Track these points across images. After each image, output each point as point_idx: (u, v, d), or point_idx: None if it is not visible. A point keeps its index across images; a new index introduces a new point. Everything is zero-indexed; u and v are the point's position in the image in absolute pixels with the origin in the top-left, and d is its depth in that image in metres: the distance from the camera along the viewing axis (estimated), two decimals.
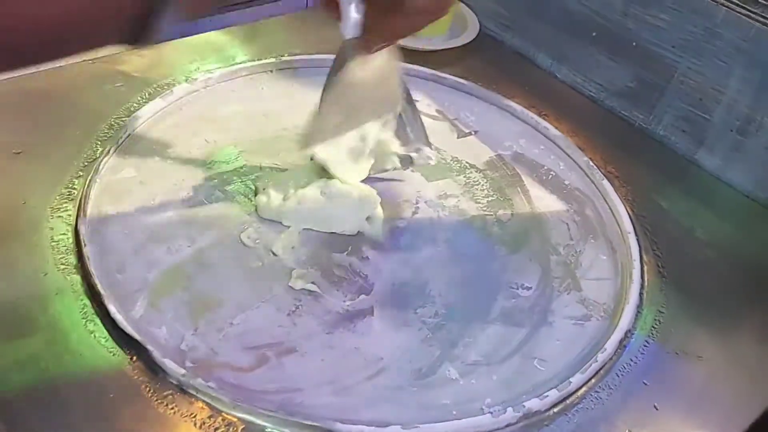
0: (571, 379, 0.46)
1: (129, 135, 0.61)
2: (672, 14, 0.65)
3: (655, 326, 0.52)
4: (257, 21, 0.82)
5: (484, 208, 0.61)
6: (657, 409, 0.47)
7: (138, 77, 0.67)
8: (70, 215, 0.52)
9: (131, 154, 0.59)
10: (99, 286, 0.47)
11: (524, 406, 0.44)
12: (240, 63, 0.70)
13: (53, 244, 0.50)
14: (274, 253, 0.53)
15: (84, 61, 0.68)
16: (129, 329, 0.44)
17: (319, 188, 0.55)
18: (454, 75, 0.73)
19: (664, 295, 0.54)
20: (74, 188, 0.54)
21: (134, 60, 0.69)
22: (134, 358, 0.44)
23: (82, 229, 0.50)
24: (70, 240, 0.50)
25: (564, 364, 0.49)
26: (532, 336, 0.50)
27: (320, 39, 0.74)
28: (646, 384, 0.48)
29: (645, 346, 0.51)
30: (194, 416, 0.42)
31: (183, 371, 0.43)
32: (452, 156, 0.66)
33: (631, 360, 0.49)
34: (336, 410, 0.44)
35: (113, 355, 0.44)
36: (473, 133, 0.69)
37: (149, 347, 0.44)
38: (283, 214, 0.55)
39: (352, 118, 0.54)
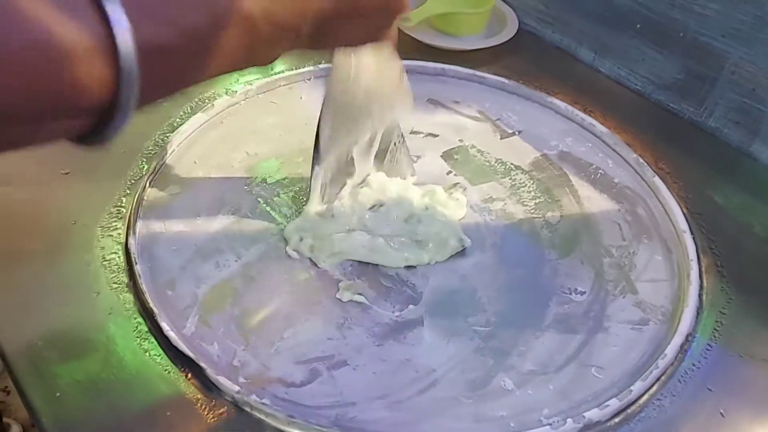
0: (631, 387, 0.45)
1: (173, 151, 0.61)
2: (721, 2, 0.63)
3: (717, 329, 0.50)
4: None
5: (532, 211, 0.59)
6: (723, 416, 0.45)
7: None
8: (120, 234, 0.53)
9: (176, 170, 0.60)
10: (151, 304, 0.47)
11: (584, 417, 0.43)
12: (278, 73, 0.70)
13: (105, 263, 0.51)
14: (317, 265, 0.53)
15: None
16: (183, 347, 0.45)
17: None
18: (494, 74, 0.72)
19: (725, 296, 0.52)
20: (122, 206, 0.55)
21: None
22: (189, 375, 0.44)
23: (133, 248, 0.51)
24: (121, 258, 0.51)
25: (622, 371, 0.47)
26: (588, 342, 0.49)
27: None
28: (710, 390, 0.46)
29: (707, 349, 0.49)
30: None
31: (237, 388, 0.43)
32: (496, 158, 0.64)
33: (694, 365, 0.48)
34: (390, 425, 0.43)
35: (168, 373, 0.44)
36: (517, 133, 0.67)
37: (203, 365, 0.44)
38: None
39: (343, 130, 0.54)
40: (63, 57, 0.24)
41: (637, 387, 0.45)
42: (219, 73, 0.33)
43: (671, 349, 0.47)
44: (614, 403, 0.44)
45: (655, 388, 0.46)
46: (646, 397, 0.45)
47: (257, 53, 0.35)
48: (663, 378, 0.46)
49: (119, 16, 0.25)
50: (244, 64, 0.35)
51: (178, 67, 0.30)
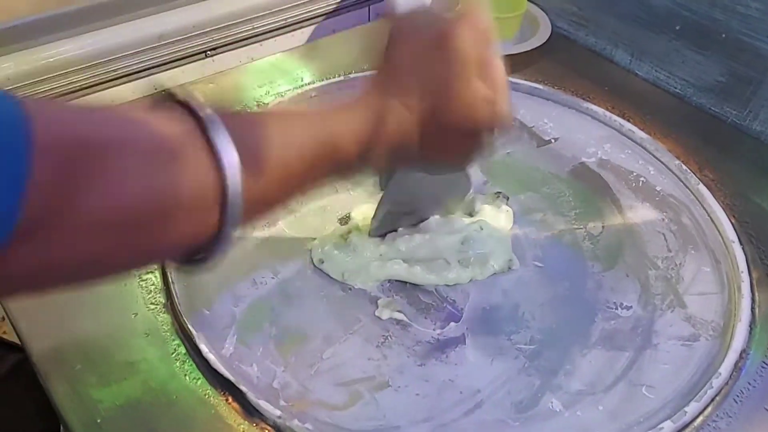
0: (686, 409, 0.43)
1: None
2: (764, 2, 0.60)
3: None
4: (319, 39, 0.82)
5: (573, 221, 0.58)
6: None
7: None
8: None
9: None
10: (189, 326, 0.46)
11: None
12: (308, 84, 0.69)
13: (141, 283, 0.50)
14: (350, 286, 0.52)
15: (158, 91, 0.69)
16: (223, 370, 0.44)
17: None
18: (527, 80, 0.70)
19: None
20: None
21: (202, 88, 0.69)
22: (229, 399, 0.43)
23: (169, 267, 0.50)
24: (158, 278, 0.50)
25: (674, 391, 0.45)
26: (637, 360, 0.47)
27: None
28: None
29: (763, 367, 0.47)
30: None
31: (278, 413, 0.42)
32: (533, 167, 0.63)
33: (749, 384, 0.46)
34: None
35: (208, 396, 0.43)
36: (553, 140, 0.66)
37: (243, 388, 0.43)
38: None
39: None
40: (181, 214, 0.27)
41: (692, 408, 0.43)
42: (309, 192, 0.36)
43: (725, 368, 0.45)
44: (668, 426, 0.42)
45: (710, 409, 0.44)
46: (701, 418, 0.44)
47: (345, 176, 0.38)
48: (718, 398, 0.45)
49: (234, 175, 0.28)
50: (339, 179, 0.38)
51: (272, 203, 0.33)
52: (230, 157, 0.28)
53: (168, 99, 0.30)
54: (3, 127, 0.21)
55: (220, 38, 0.76)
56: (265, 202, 0.32)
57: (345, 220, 0.57)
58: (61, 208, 0.23)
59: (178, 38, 0.73)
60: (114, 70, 0.70)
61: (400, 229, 0.54)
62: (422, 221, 0.55)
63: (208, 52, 0.76)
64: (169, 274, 0.50)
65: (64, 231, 0.23)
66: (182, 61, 0.75)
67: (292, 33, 0.81)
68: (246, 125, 0.31)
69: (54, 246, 0.23)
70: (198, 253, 0.30)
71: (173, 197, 0.26)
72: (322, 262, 0.53)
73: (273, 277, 0.52)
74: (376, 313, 0.50)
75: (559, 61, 0.74)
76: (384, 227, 0.54)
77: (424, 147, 0.39)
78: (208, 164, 0.27)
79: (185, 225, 0.28)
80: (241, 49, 0.78)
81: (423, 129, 0.38)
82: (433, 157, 0.41)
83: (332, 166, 0.35)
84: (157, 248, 0.28)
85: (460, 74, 0.38)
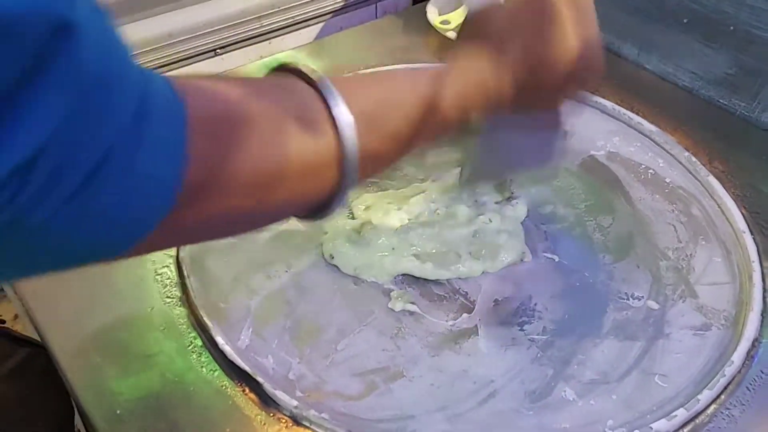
0: (699, 397, 0.43)
1: None
2: None
3: None
4: (327, 36, 0.82)
5: (583, 214, 0.58)
6: None
7: None
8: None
9: None
10: (205, 319, 0.47)
11: (651, 429, 0.42)
12: None
13: (157, 277, 0.51)
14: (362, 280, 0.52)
15: None
16: (239, 361, 0.44)
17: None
18: None
19: None
20: None
21: None
22: (246, 390, 0.44)
23: (184, 261, 0.51)
24: (173, 272, 0.51)
25: (687, 380, 0.46)
26: (650, 349, 0.48)
27: (392, 49, 0.73)
28: None
29: None
30: None
31: (295, 402, 0.42)
32: None
33: (762, 372, 0.46)
34: None
35: (225, 388, 0.44)
36: None
37: (260, 379, 0.43)
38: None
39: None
40: (308, 173, 0.29)
41: (705, 396, 0.43)
42: (413, 151, 0.37)
43: (738, 356, 0.46)
44: (682, 414, 0.43)
45: (723, 397, 0.44)
46: (714, 406, 0.44)
47: (444, 134, 0.39)
48: (731, 386, 0.45)
49: (350, 134, 0.30)
50: (437, 140, 0.38)
51: (381, 162, 0.35)
52: (346, 118, 0.30)
53: (282, 69, 0.32)
54: (166, 107, 0.24)
55: (229, 36, 0.76)
56: (376, 159, 0.33)
57: (351, 215, 0.57)
58: (213, 174, 0.26)
59: (188, 36, 0.73)
60: None
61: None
62: (510, 180, 0.55)
63: (218, 51, 0.77)
64: (183, 268, 0.50)
65: (217, 192, 0.26)
66: (191, 60, 0.75)
67: (300, 31, 0.81)
68: (356, 88, 0.33)
69: (210, 205, 0.26)
70: (319, 206, 0.32)
71: (302, 158, 0.29)
72: (333, 258, 0.53)
73: (287, 271, 0.53)
74: (389, 305, 0.50)
75: None
76: (475, 178, 0.53)
77: (519, 100, 0.39)
78: (328, 126, 0.30)
79: (312, 182, 0.30)
80: (250, 47, 0.78)
81: (520, 84, 0.39)
82: (528, 107, 0.41)
83: (435, 125, 0.36)
84: (291, 203, 0.31)
85: (555, 20, 0.38)
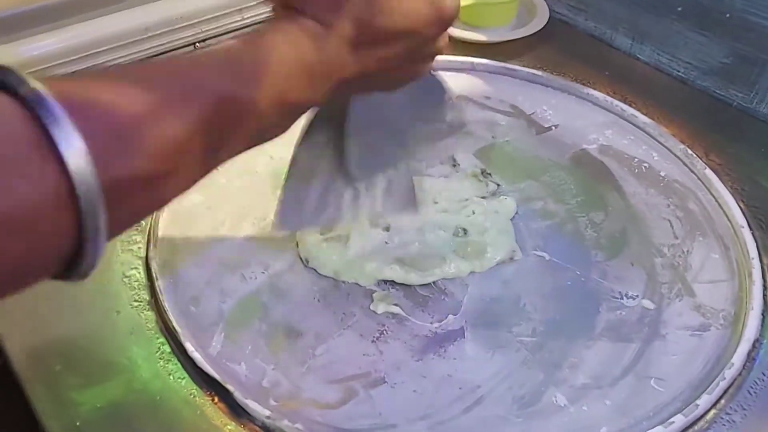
0: (697, 402, 0.41)
1: None
2: None
3: None
4: None
5: (574, 210, 0.55)
6: None
7: None
8: (140, 248, 0.50)
9: None
10: (174, 323, 0.44)
11: None
12: None
13: (125, 279, 0.48)
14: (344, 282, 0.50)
15: None
16: (209, 369, 0.42)
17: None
18: (526, 66, 0.68)
19: None
20: None
21: None
22: (215, 399, 0.41)
23: (153, 263, 0.48)
24: (142, 274, 0.48)
25: (685, 383, 0.43)
26: (645, 352, 0.45)
27: None
28: None
29: None
30: None
31: (268, 413, 0.40)
32: (533, 154, 0.61)
33: (764, 374, 0.43)
34: None
35: (193, 397, 0.41)
36: (553, 127, 0.63)
37: (230, 387, 0.41)
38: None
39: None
40: (20, 227, 0.22)
41: (704, 401, 0.41)
42: (225, 160, 0.30)
43: (738, 358, 0.43)
44: (679, 420, 0.40)
45: (723, 401, 0.42)
46: (713, 411, 0.41)
47: (270, 132, 0.32)
48: (731, 390, 0.42)
49: (81, 164, 0.22)
50: (258, 143, 0.32)
51: (171, 186, 0.27)
52: (73, 143, 0.22)
53: None
54: None
55: (209, 30, 0.73)
56: (149, 185, 0.25)
57: None
58: None
59: (165, 30, 0.70)
60: (98, 65, 0.68)
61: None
62: (403, 143, 0.48)
63: (197, 45, 0.74)
64: (153, 270, 0.48)
65: None
66: (170, 54, 0.72)
67: None
68: (105, 93, 0.24)
69: None
70: (69, 261, 0.24)
71: (8, 208, 0.21)
72: (308, 262, 0.50)
73: (263, 272, 0.50)
74: (371, 307, 0.48)
75: (557, 47, 0.72)
76: (366, 163, 0.46)
77: (363, 68, 0.34)
78: (47, 157, 0.22)
79: (35, 236, 0.22)
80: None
81: (355, 47, 0.33)
82: (379, 77, 0.36)
83: (242, 125, 0.29)
84: (10, 266, 0.23)
85: None
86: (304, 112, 0.35)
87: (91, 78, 0.26)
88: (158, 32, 0.70)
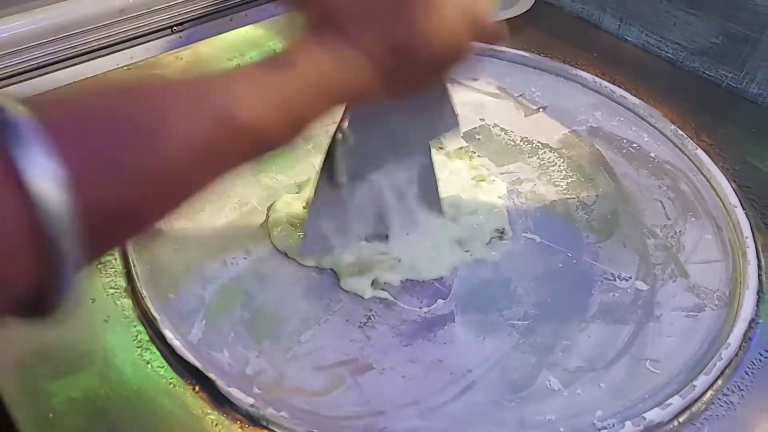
0: (694, 383, 0.40)
1: None
2: None
3: None
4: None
5: (565, 192, 0.54)
6: None
7: None
8: None
9: None
10: (152, 310, 0.42)
11: (644, 418, 0.38)
12: None
13: (100, 266, 0.46)
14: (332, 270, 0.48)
15: (120, 67, 0.65)
16: (189, 356, 0.40)
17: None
18: (513, 48, 0.67)
19: None
20: None
21: (171, 62, 0.65)
22: (197, 388, 0.39)
23: (130, 248, 0.46)
24: (118, 261, 0.46)
25: (681, 365, 0.42)
26: (639, 333, 0.44)
27: None
28: None
29: None
30: None
31: (251, 401, 0.38)
32: (521, 136, 0.59)
33: (761, 354, 0.43)
34: None
35: (173, 386, 0.39)
36: (542, 109, 0.62)
37: (212, 375, 0.39)
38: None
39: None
40: None
41: (701, 382, 0.40)
42: (224, 176, 0.28)
43: (734, 338, 0.42)
44: (677, 401, 0.39)
45: (720, 382, 0.41)
46: (711, 392, 0.40)
47: (275, 146, 0.30)
48: (728, 371, 0.41)
49: (46, 185, 0.20)
50: (259, 156, 0.30)
51: (155, 212, 0.25)
52: (39, 164, 0.20)
53: None
54: None
55: (187, 12, 0.71)
56: (131, 213, 0.23)
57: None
58: None
59: (142, 12, 0.68)
60: (71, 48, 0.65)
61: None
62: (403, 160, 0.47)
63: (174, 28, 0.72)
64: (130, 256, 0.46)
65: None
66: (146, 38, 0.70)
67: (264, 6, 0.77)
68: (86, 114, 0.22)
69: None
70: (39, 298, 0.22)
71: None
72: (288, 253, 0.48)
73: (245, 258, 0.48)
74: (358, 292, 0.46)
75: (545, 29, 0.71)
76: (358, 175, 0.45)
77: (391, 87, 0.33)
78: (2, 182, 0.19)
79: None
80: (210, 23, 0.73)
81: (385, 71, 0.32)
82: (404, 93, 0.36)
83: (250, 148, 0.28)
84: None
85: None
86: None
87: (80, 97, 0.24)
88: (134, 14, 0.68)
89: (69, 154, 0.20)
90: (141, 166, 0.23)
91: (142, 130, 0.23)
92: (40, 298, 0.22)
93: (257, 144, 0.29)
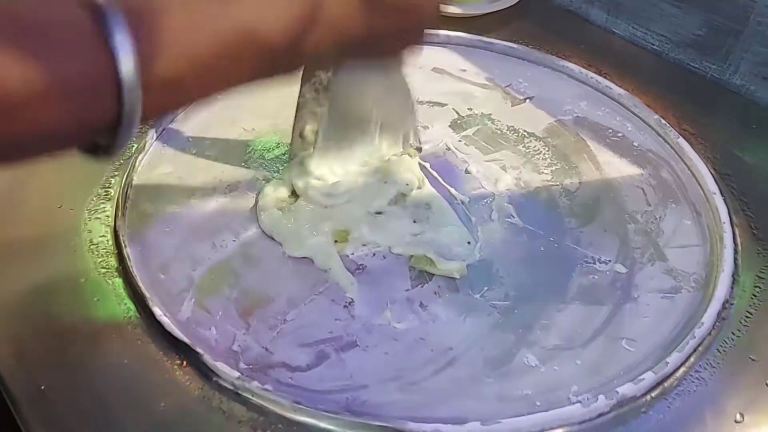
0: (667, 359, 0.41)
1: (164, 129, 0.58)
2: None
3: (756, 294, 0.46)
4: None
5: (549, 179, 0.55)
6: None
7: None
8: (108, 216, 0.49)
9: (167, 148, 0.56)
10: (142, 289, 0.44)
11: (618, 393, 0.39)
12: None
13: (92, 247, 0.47)
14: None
15: None
16: (177, 332, 0.41)
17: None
18: (501, 39, 0.68)
19: (762, 259, 0.48)
20: (111, 188, 0.51)
21: None
22: (184, 363, 0.41)
23: (122, 230, 0.47)
24: (110, 242, 0.47)
25: (656, 343, 0.43)
26: (617, 314, 0.45)
27: None
28: (753, 360, 0.42)
29: (747, 317, 0.45)
30: (252, 421, 0.38)
31: (237, 374, 0.39)
32: (508, 125, 0.60)
33: (733, 333, 0.44)
34: (405, 408, 0.39)
35: (161, 361, 0.41)
36: (528, 99, 0.63)
37: (199, 350, 0.40)
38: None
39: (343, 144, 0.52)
40: (68, 95, 0.26)
41: (674, 359, 0.41)
42: (236, 87, 0.33)
43: (708, 318, 0.43)
44: (649, 377, 0.40)
45: (692, 359, 0.42)
46: (683, 369, 0.41)
47: (277, 69, 0.35)
48: (700, 349, 0.43)
49: (126, 53, 0.26)
50: (266, 77, 0.35)
51: (185, 92, 0.31)
52: (122, 40, 0.26)
53: None
54: None
55: None
56: (172, 90, 0.30)
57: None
58: None
59: None
60: None
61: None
62: (368, 133, 0.51)
63: None
64: (121, 237, 0.47)
65: None
66: None
67: None
68: (147, 10, 0.29)
69: None
70: (102, 140, 0.29)
71: (52, 81, 0.25)
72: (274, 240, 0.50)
73: (234, 240, 0.49)
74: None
75: (533, 21, 0.72)
76: (330, 142, 0.51)
77: (368, 26, 0.37)
78: (97, 48, 0.26)
79: (78, 109, 0.27)
80: None
81: (364, 4, 0.36)
82: (377, 42, 0.39)
83: (256, 56, 0.32)
84: (49, 131, 0.27)
85: None
86: (309, 58, 0.36)
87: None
88: None
89: (140, 36, 0.27)
90: (180, 54, 0.29)
91: (185, 26, 0.29)
92: (109, 135, 0.29)
93: (267, 55, 0.33)
